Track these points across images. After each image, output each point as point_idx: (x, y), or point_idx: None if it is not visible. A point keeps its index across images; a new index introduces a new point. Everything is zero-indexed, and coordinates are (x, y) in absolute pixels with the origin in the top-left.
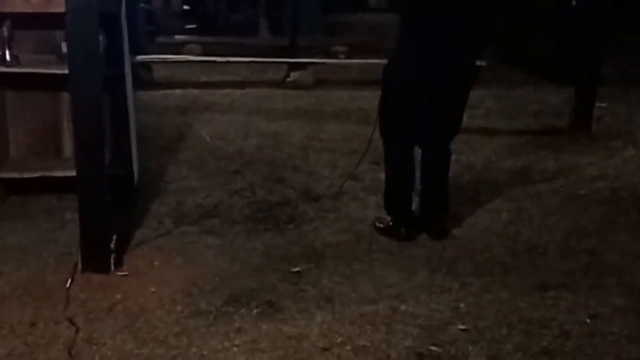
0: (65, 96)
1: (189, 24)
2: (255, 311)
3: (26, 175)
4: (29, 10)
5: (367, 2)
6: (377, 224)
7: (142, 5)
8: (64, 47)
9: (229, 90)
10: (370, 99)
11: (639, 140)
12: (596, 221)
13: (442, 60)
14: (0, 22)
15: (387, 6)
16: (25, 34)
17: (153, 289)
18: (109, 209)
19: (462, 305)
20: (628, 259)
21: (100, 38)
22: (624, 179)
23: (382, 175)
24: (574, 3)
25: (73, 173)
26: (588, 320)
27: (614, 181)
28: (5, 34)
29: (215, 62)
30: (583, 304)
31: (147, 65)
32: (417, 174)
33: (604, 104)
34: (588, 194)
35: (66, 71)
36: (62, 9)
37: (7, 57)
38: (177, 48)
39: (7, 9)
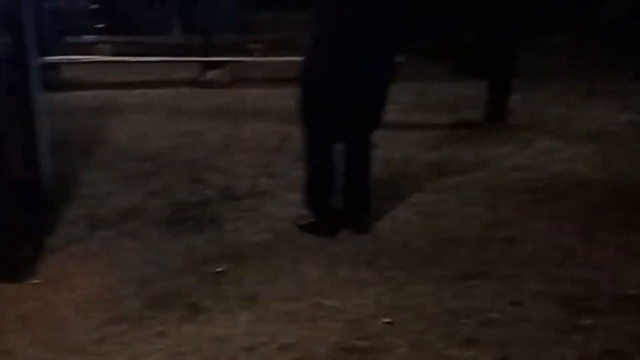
0: None
1: (98, 23)
2: (177, 314)
3: None
4: None
5: None
6: (299, 221)
7: (48, 4)
8: None
9: (143, 91)
10: (287, 97)
11: (552, 131)
12: (513, 211)
13: (359, 57)
14: None
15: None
16: None
17: (69, 296)
18: (18, 216)
19: (385, 298)
20: (544, 248)
21: (3, 40)
22: (539, 169)
23: (302, 173)
24: None
25: None
26: (509, 308)
27: (530, 171)
28: None
29: (127, 62)
30: (503, 292)
31: (55, 66)
32: (339, 169)
33: (518, 96)
34: (505, 184)
35: None
36: None
37: None
38: (87, 48)
39: None
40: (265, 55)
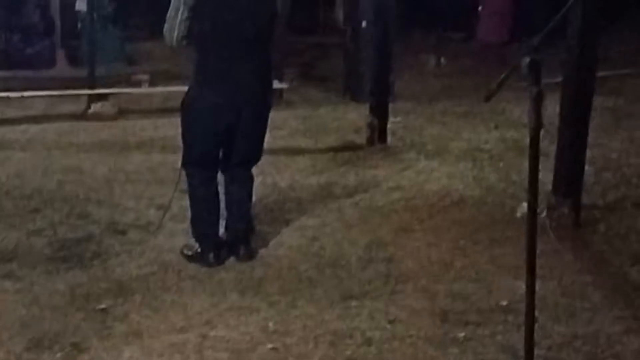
0: None
1: None
2: (58, 354)
3: None
4: None
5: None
6: (185, 251)
7: None
8: None
9: (25, 126)
10: (175, 127)
11: (430, 151)
12: (394, 231)
13: (236, 92)
14: None
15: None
16: None
17: None
18: None
19: (270, 324)
20: (423, 264)
21: None
22: (418, 189)
23: (188, 203)
24: (364, 25)
25: None
26: (388, 326)
27: (409, 191)
28: None
29: (8, 97)
30: (383, 310)
31: None
32: (221, 199)
33: (398, 119)
34: (385, 205)
35: None
36: None
37: None
38: None
39: None
40: (152, 86)
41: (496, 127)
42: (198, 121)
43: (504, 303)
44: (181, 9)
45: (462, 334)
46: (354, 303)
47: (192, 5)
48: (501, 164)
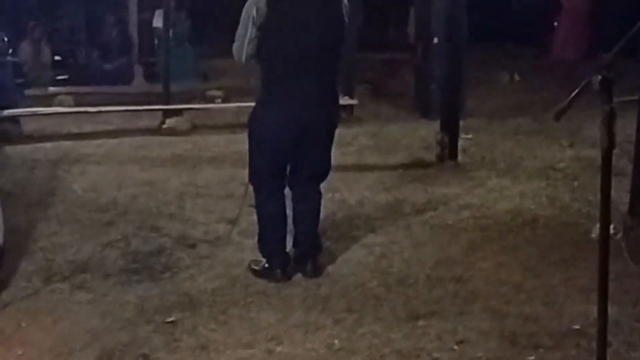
0: None
1: (60, 75)
2: None
3: None
4: None
5: None
6: (252, 266)
7: (8, 58)
8: None
9: (102, 141)
10: (246, 142)
11: (502, 169)
12: (463, 250)
13: (302, 108)
14: None
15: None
16: None
17: (20, 352)
18: None
19: (336, 341)
20: (492, 285)
21: None
22: (488, 207)
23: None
24: (435, 41)
25: None
26: (455, 347)
27: (479, 210)
28: None
29: (87, 112)
30: (451, 331)
31: (15, 119)
32: (289, 215)
33: (469, 136)
34: (455, 223)
35: None
36: None
37: None
38: (48, 100)
39: None
40: (225, 102)
41: (571, 146)
42: (264, 137)
43: (577, 327)
44: (249, 28)
45: (532, 358)
46: (421, 323)
47: (260, 24)
48: (576, 183)
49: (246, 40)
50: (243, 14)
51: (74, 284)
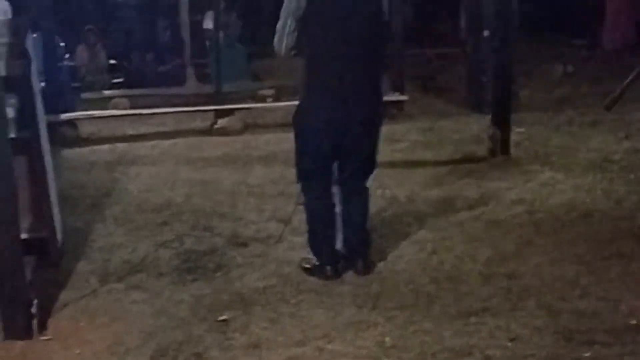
0: None
1: (115, 78)
2: None
3: None
4: None
5: None
6: (303, 264)
7: (65, 62)
8: None
9: (156, 142)
10: None
11: (554, 163)
12: (516, 245)
13: (345, 105)
14: None
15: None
16: None
17: (77, 351)
18: (29, 274)
19: (387, 339)
20: (545, 281)
21: (12, 100)
22: (541, 202)
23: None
24: (485, 34)
25: None
26: (509, 344)
27: (532, 205)
28: None
29: (141, 114)
30: (504, 328)
31: (72, 122)
32: (338, 213)
33: (522, 129)
34: (507, 219)
35: None
36: None
37: None
38: (104, 103)
39: None
40: (276, 101)
41: (627, 137)
42: (309, 135)
43: (633, 322)
44: (289, 21)
45: (588, 354)
46: (473, 319)
47: (300, 16)
48: (632, 176)
49: (286, 32)
50: (283, 6)
51: (129, 284)
